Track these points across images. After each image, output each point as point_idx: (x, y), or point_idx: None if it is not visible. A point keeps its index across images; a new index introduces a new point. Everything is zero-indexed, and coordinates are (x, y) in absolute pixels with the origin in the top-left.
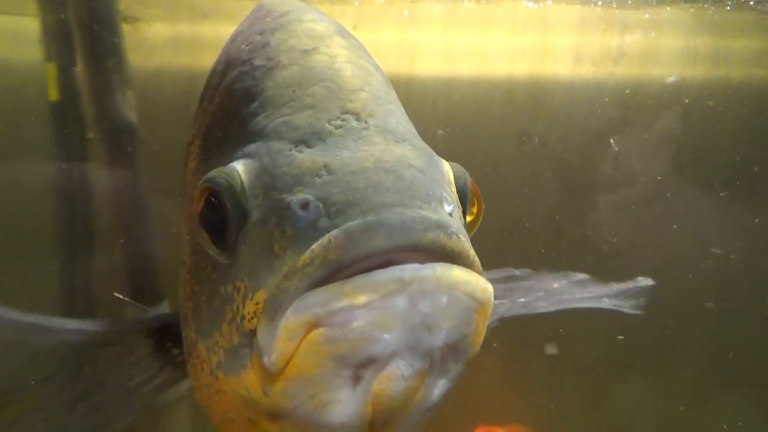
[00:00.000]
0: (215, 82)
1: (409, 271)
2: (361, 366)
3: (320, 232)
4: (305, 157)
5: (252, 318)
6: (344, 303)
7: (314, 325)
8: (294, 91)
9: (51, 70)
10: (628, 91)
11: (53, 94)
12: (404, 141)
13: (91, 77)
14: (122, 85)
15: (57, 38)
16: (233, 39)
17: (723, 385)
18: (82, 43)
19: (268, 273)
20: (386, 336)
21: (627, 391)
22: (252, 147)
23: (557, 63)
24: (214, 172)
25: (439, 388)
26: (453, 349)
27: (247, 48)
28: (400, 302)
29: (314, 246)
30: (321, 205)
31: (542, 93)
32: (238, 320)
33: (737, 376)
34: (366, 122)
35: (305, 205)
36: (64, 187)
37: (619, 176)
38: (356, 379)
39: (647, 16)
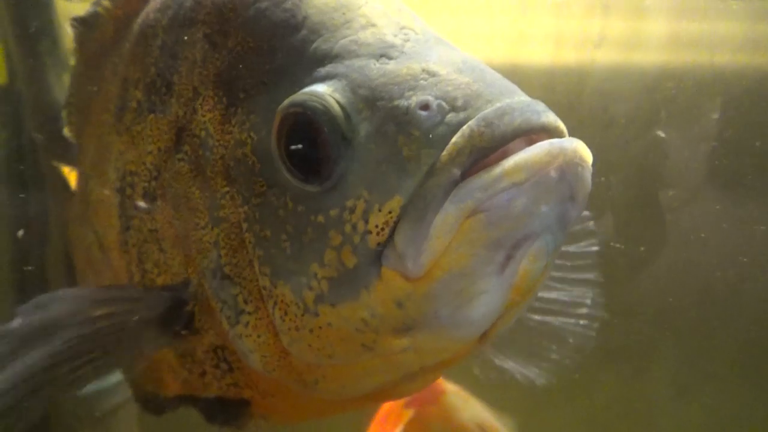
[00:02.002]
0: (209, 30)
1: (557, 144)
2: (515, 246)
3: (453, 127)
4: (397, 66)
5: (383, 229)
6: (506, 182)
7: (474, 211)
8: (344, 13)
9: None
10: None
11: (1, 77)
12: (458, 48)
13: (24, 60)
14: (57, 68)
15: (4, 19)
16: None
17: None
18: (11, 22)
19: (402, 178)
20: (544, 209)
21: None
22: (323, 70)
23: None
24: (299, 97)
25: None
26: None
27: None
28: (554, 174)
29: (455, 139)
30: (443, 103)
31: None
32: (356, 239)
33: None
34: (424, 35)
35: (425, 106)
36: (9, 173)
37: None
38: (505, 263)
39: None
